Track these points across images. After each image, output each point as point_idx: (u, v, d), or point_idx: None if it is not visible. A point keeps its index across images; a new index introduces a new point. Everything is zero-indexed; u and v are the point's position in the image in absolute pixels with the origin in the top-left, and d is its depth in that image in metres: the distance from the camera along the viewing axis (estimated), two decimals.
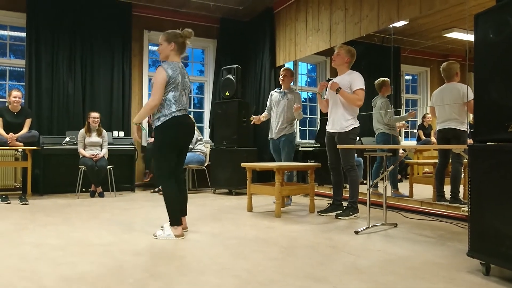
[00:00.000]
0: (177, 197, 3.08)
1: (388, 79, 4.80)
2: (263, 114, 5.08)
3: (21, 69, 6.32)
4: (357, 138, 4.09)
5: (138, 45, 6.93)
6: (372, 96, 5.04)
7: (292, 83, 5.03)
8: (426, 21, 4.33)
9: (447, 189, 4.18)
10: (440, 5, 3.99)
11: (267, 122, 5.09)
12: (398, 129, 5.07)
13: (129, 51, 6.72)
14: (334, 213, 4.05)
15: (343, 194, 4.18)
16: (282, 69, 4.98)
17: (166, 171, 3.03)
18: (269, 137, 5.00)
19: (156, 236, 3.04)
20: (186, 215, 3.30)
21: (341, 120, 3.92)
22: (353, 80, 3.88)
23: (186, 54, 3.21)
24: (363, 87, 3.87)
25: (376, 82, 4.87)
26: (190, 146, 5.78)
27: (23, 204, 4.75)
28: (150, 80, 7.20)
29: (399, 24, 4.52)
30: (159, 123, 2.99)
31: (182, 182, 3.29)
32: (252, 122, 5.03)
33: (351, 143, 3.89)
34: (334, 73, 4.21)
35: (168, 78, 2.95)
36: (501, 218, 2.05)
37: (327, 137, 4.13)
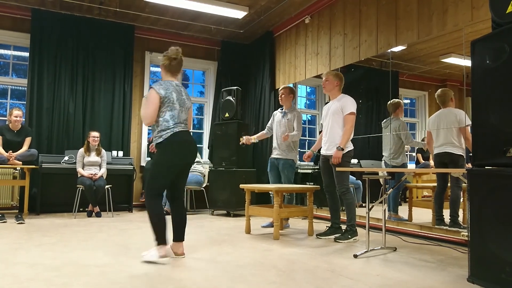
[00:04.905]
0: (163, 216, 2.95)
1: (402, 101, 4.80)
2: (258, 134, 5.06)
3: (23, 88, 6.37)
4: (355, 160, 4.08)
5: (140, 66, 7.01)
6: (372, 118, 5.06)
7: (293, 103, 4.99)
8: (423, 46, 4.40)
9: (446, 213, 4.16)
10: (438, 31, 4.07)
11: (266, 143, 5.08)
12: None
13: (131, 71, 6.79)
14: (332, 236, 4.02)
15: (341, 217, 4.16)
16: (280, 88, 4.96)
17: (156, 190, 2.96)
18: (271, 156, 4.97)
19: (142, 256, 2.96)
20: (183, 240, 3.13)
21: (336, 143, 3.94)
22: (345, 105, 3.96)
23: (181, 72, 3.22)
24: (354, 111, 3.94)
25: (390, 102, 4.76)
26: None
27: (19, 223, 4.70)
28: None
29: (397, 49, 4.60)
30: (161, 140, 2.96)
31: (182, 205, 3.16)
32: (240, 143, 4.93)
33: (346, 166, 3.89)
34: (329, 97, 4.25)
35: (161, 98, 2.95)
36: (501, 244, 2.04)
37: (322, 160, 4.15)
